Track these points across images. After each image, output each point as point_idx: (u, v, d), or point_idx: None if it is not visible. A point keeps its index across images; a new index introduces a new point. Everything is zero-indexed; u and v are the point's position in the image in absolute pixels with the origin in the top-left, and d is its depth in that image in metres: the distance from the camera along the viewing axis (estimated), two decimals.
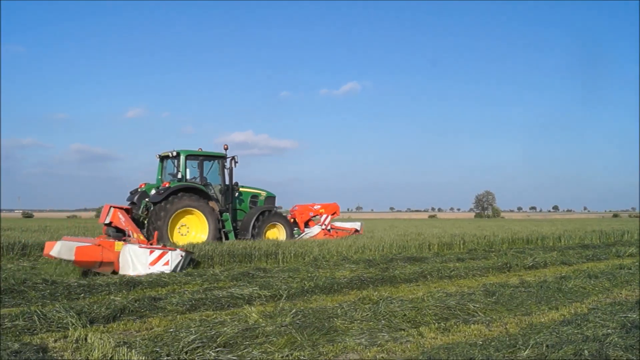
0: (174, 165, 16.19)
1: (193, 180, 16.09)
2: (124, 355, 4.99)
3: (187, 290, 8.80)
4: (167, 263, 11.08)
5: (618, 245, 19.22)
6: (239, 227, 16.98)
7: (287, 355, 5.19)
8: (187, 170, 15.99)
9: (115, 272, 10.95)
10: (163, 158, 16.66)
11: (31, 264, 12.29)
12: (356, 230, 21.49)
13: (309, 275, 10.37)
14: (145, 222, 14.75)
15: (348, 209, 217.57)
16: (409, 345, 5.68)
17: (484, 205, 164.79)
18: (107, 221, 13.56)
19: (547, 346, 5.25)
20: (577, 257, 15.07)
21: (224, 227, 16.16)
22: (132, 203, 15.46)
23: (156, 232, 12.99)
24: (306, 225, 19.89)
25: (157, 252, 11.07)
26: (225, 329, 5.89)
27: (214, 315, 6.99)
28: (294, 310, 6.82)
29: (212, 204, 15.82)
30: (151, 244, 11.52)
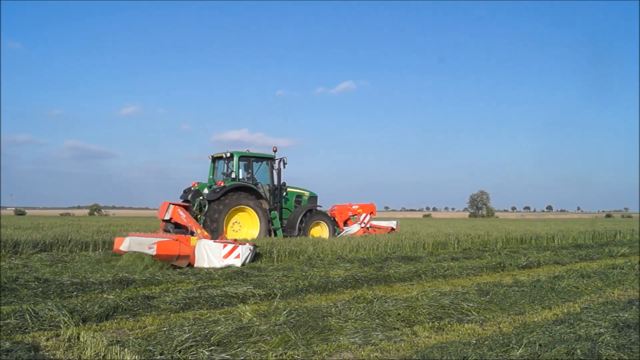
0: (225, 166, 17.41)
1: (245, 180, 17.03)
2: (116, 354, 4.96)
3: (181, 289, 8.76)
4: (238, 256, 12.06)
5: (611, 245, 19.31)
6: (286, 225, 18.06)
7: (281, 354, 5.18)
8: (240, 170, 17.04)
9: (190, 265, 11.93)
10: (215, 159, 17.72)
11: (23, 261, 12.21)
12: (392, 229, 22.31)
13: (304, 274, 10.36)
14: (199, 218, 15.74)
15: None
16: (402, 344, 5.67)
17: (479, 205, 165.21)
18: (166, 217, 14.19)
19: (540, 345, 5.27)
20: (570, 256, 15.12)
21: (272, 224, 17.23)
22: (186, 201, 16.31)
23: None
24: (345, 224, 21.04)
25: (229, 246, 12.06)
26: (219, 327, 5.87)
27: (208, 314, 6.97)
28: (288, 309, 6.81)
29: (263, 202, 16.87)
30: (222, 239, 12.55)
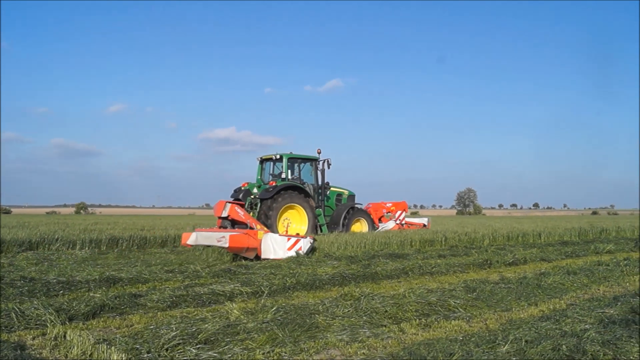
0: (273, 166, 18.60)
1: (293, 179, 18.12)
2: (103, 352, 4.94)
3: (167, 287, 8.74)
4: (300, 248, 13.36)
5: (596, 242, 19.44)
6: (330, 221, 19.24)
7: (268, 352, 5.19)
8: (288, 171, 18.07)
9: (258, 257, 13.07)
10: (263, 160, 18.84)
11: (9, 260, 12.13)
12: (424, 225, 23.55)
13: (291, 271, 10.35)
14: (252, 215, 16.69)
15: None
16: (390, 341, 5.69)
17: (466, 202, 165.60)
18: (224, 215, 15.80)
19: (526, 341, 5.30)
20: (556, 253, 15.22)
21: (318, 221, 18.38)
22: (237, 199, 17.34)
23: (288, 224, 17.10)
24: (379, 220, 22.12)
25: (293, 240, 13.49)
26: (206, 325, 5.86)
27: (195, 312, 6.96)
28: (275, 307, 6.82)
29: (310, 200, 17.85)
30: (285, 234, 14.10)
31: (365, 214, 20.40)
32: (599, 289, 9.24)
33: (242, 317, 6.37)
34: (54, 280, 8.96)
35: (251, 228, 14.56)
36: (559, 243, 19.74)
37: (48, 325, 6.09)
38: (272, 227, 15.91)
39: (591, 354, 4.89)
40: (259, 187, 18.00)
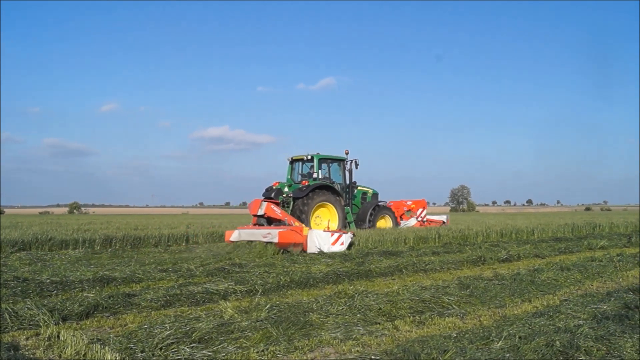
0: (302, 166, 19.53)
1: (323, 179, 18.95)
2: (97, 352, 4.93)
3: (161, 286, 8.72)
4: (342, 243, 14.51)
5: (590, 238, 19.51)
6: (357, 218, 20.08)
7: (262, 350, 5.18)
8: (319, 170, 18.96)
9: (303, 251, 14.23)
10: (294, 161, 19.71)
11: (2, 260, 12.08)
12: (443, 222, 24.20)
13: (285, 270, 10.35)
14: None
15: None
16: (384, 339, 5.70)
17: (459, 200, 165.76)
18: (260, 213, 16.78)
19: (519, 337, 5.31)
20: (549, 249, 15.28)
21: (346, 218, 19.19)
22: (268, 198, 18.03)
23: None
24: (400, 217, 22.92)
25: (335, 235, 14.58)
26: (200, 324, 5.85)
27: (189, 311, 6.94)
28: (269, 305, 6.82)
29: (340, 199, 18.90)
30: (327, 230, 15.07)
31: (389, 211, 21.34)
32: (592, 285, 9.28)
33: (236, 315, 6.36)
34: (48, 281, 8.92)
35: (288, 225, 15.90)
36: (553, 239, 19.79)
37: (41, 325, 6.07)
38: (305, 224, 16.66)
39: (585, 350, 4.91)
40: (289, 186, 18.98)
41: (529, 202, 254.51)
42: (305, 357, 5.13)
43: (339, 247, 14.35)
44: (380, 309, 6.88)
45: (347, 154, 20.12)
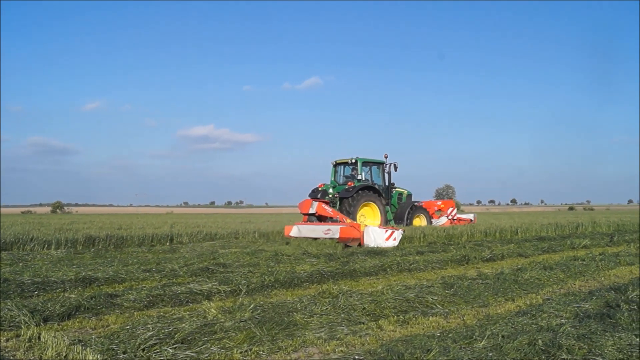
0: (345, 169, 21.46)
1: (366, 181, 20.68)
2: (78, 353, 4.88)
3: (144, 287, 8.66)
4: (394, 239, 15.90)
5: (573, 238, 19.69)
6: (395, 217, 21.83)
7: (246, 351, 5.16)
8: (362, 173, 20.72)
9: (360, 245, 15.66)
10: (338, 164, 21.63)
11: None
12: (471, 220, 25.80)
13: (269, 269, 10.32)
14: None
15: None
16: (368, 338, 5.70)
17: (444, 199, 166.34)
18: (311, 211, 19.10)
19: (502, 336, 5.34)
20: (533, 249, 15.39)
21: (387, 216, 20.90)
22: (316, 198, 19.85)
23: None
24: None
25: (389, 231, 16.01)
26: (183, 325, 5.81)
27: (172, 312, 6.88)
28: (253, 305, 6.79)
29: (382, 199, 20.62)
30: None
31: (424, 210, 23.08)
32: (574, 284, 9.35)
33: (219, 316, 6.33)
34: (29, 281, 8.81)
35: (341, 221, 17.74)
36: (536, 239, 19.94)
37: (22, 326, 5.99)
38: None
39: (566, 348, 4.93)
40: (333, 187, 20.77)
41: (513, 201, 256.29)
42: (289, 357, 5.11)
43: (392, 242, 15.71)
44: (364, 308, 6.88)
45: (386, 157, 21.91)
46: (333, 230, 16.37)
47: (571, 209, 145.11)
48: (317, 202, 19.00)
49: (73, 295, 7.56)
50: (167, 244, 18.02)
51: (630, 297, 7.29)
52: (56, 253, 14.01)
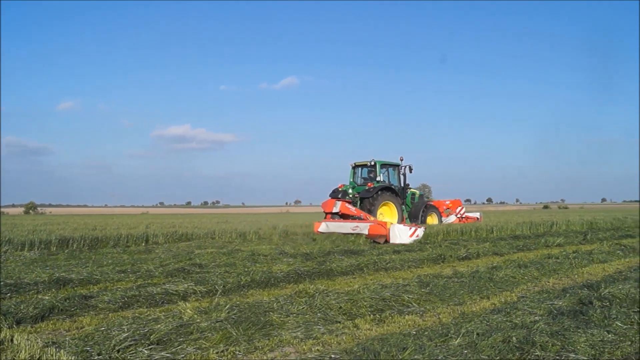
0: (363, 170, 22.93)
1: (384, 182, 22.08)
2: (52, 355, 4.83)
3: (119, 288, 8.58)
4: (417, 235, 17.26)
5: (547, 236, 19.88)
6: (409, 215, 23.24)
7: (222, 351, 5.14)
8: (381, 175, 22.12)
9: (386, 241, 16.91)
10: (357, 166, 23.05)
11: None
12: (477, 219, 26.73)
13: (246, 270, 10.29)
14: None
15: (287, 203, 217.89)
16: (344, 337, 5.72)
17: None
18: (335, 210, 20.36)
19: (477, 334, 5.39)
20: (508, 247, 15.53)
21: (403, 215, 22.32)
22: (338, 198, 21.04)
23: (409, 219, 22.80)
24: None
25: (413, 229, 17.45)
26: (158, 325, 5.77)
27: (148, 312, 6.83)
28: (229, 305, 6.77)
29: (399, 199, 22.18)
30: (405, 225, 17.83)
31: (435, 209, 24.62)
32: (548, 282, 9.48)
33: (195, 316, 6.29)
34: (1, 283, 8.67)
35: (364, 219, 19.24)
36: (511, 237, 20.10)
37: None
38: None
39: (540, 345, 5.00)
40: (353, 188, 22.09)
41: (489, 200, 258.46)
42: (265, 357, 5.11)
43: (414, 238, 17.02)
44: (340, 307, 6.90)
45: (401, 160, 23.28)
46: (361, 227, 17.68)
47: (546, 207, 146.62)
48: (340, 202, 20.35)
49: (47, 297, 7.47)
50: (143, 244, 17.82)
51: (602, 294, 7.40)
52: (29, 254, 13.80)
